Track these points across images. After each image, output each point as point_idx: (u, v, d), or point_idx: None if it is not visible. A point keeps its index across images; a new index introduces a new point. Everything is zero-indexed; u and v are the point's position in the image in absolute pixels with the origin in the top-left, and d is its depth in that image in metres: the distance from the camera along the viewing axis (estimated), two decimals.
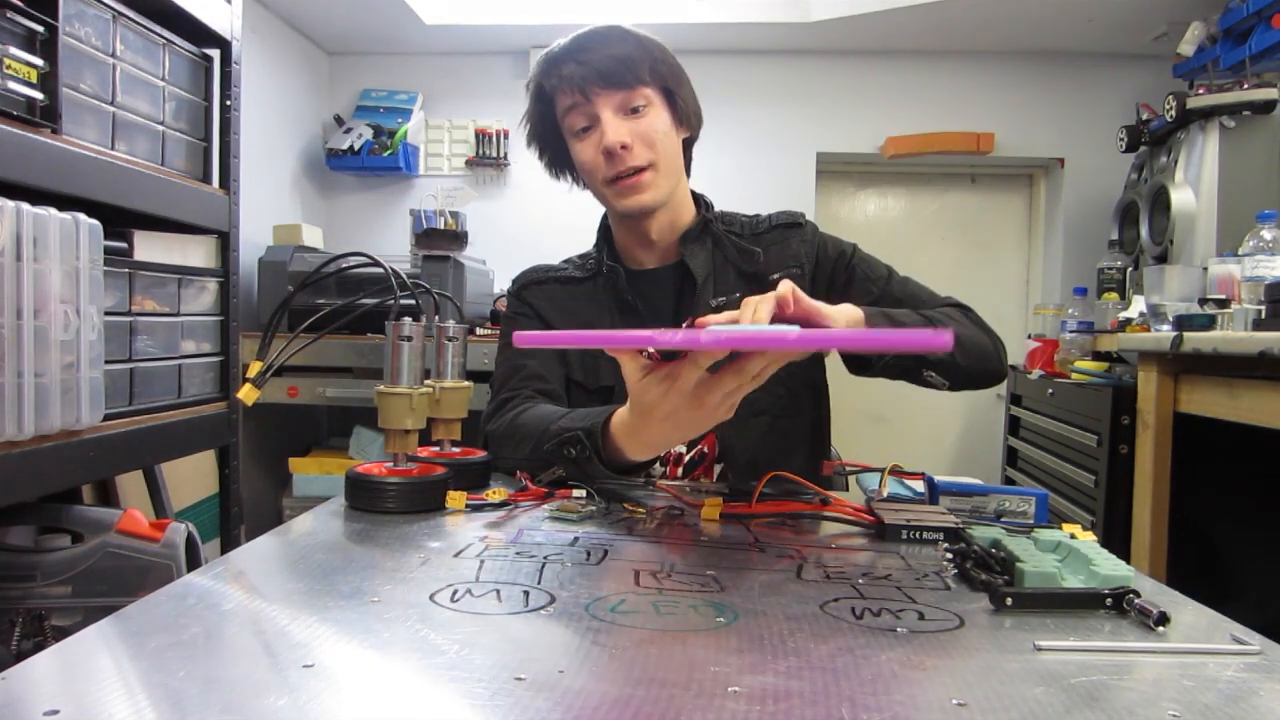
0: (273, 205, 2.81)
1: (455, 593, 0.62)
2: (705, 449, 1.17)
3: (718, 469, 1.18)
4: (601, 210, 1.26)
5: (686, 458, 1.17)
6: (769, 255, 1.20)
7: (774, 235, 1.22)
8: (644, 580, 0.67)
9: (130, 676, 0.47)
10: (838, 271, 1.19)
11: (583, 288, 1.23)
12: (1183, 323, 1.76)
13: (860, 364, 1.11)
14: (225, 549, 1.73)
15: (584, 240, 1.28)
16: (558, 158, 1.20)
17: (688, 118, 1.17)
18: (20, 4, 1.16)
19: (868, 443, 3.14)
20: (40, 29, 1.20)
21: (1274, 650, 0.55)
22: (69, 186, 1.24)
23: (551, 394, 1.16)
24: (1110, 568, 0.64)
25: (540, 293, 1.24)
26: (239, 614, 0.57)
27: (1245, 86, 2.23)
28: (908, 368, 1.08)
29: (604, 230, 1.26)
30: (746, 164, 3.03)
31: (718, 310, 1.08)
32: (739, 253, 1.20)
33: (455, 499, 0.89)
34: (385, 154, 2.99)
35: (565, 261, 1.28)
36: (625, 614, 0.59)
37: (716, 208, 1.24)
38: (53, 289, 1.16)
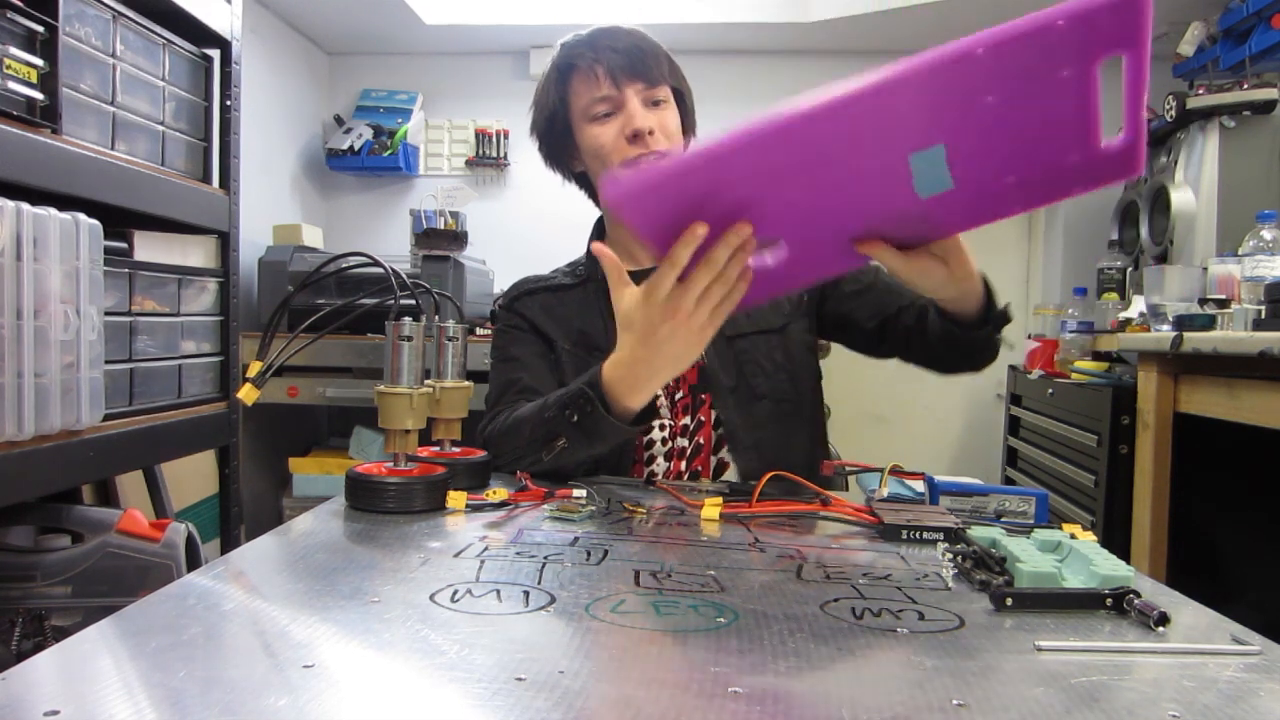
0: (273, 205, 2.81)
1: (455, 593, 0.62)
2: (701, 440, 1.17)
3: (714, 460, 1.18)
4: (596, 214, 1.27)
5: (688, 449, 1.17)
6: None
7: None
8: (644, 580, 0.67)
9: (130, 677, 0.47)
10: None
11: (573, 294, 1.24)
12: (1183, 323, 1.76)
13: (879, 340, 1.17)
14: (225, 549, 1.73)
15: (584, 240, 1.28)
16: (560, 147, 1.20)
17: (691, 126, 1.20)
18: (20, 4, 1.16)
19: (868, 443, 3.14)
20: (40, 29, 1.20)
21: (1274, 650, 0.55)
22: (69, 186, 1.24)
23: None
24: (1110, 568, 0.64)
25: (532, 302, 1.25)
26: (239, 614, 0.57)
27: (1245, 86, 2.23)
28: (930, 343, 1.07)
29: (597, 235, 1.27)
30: None
31: None
32: None
33: (455, 499, 0.89)
34: (385, 154, 2.99)
35: (554, 271, 1.30)
36: (625, 614, 0.59)
37: None
38: (53, 289, 1.16)
